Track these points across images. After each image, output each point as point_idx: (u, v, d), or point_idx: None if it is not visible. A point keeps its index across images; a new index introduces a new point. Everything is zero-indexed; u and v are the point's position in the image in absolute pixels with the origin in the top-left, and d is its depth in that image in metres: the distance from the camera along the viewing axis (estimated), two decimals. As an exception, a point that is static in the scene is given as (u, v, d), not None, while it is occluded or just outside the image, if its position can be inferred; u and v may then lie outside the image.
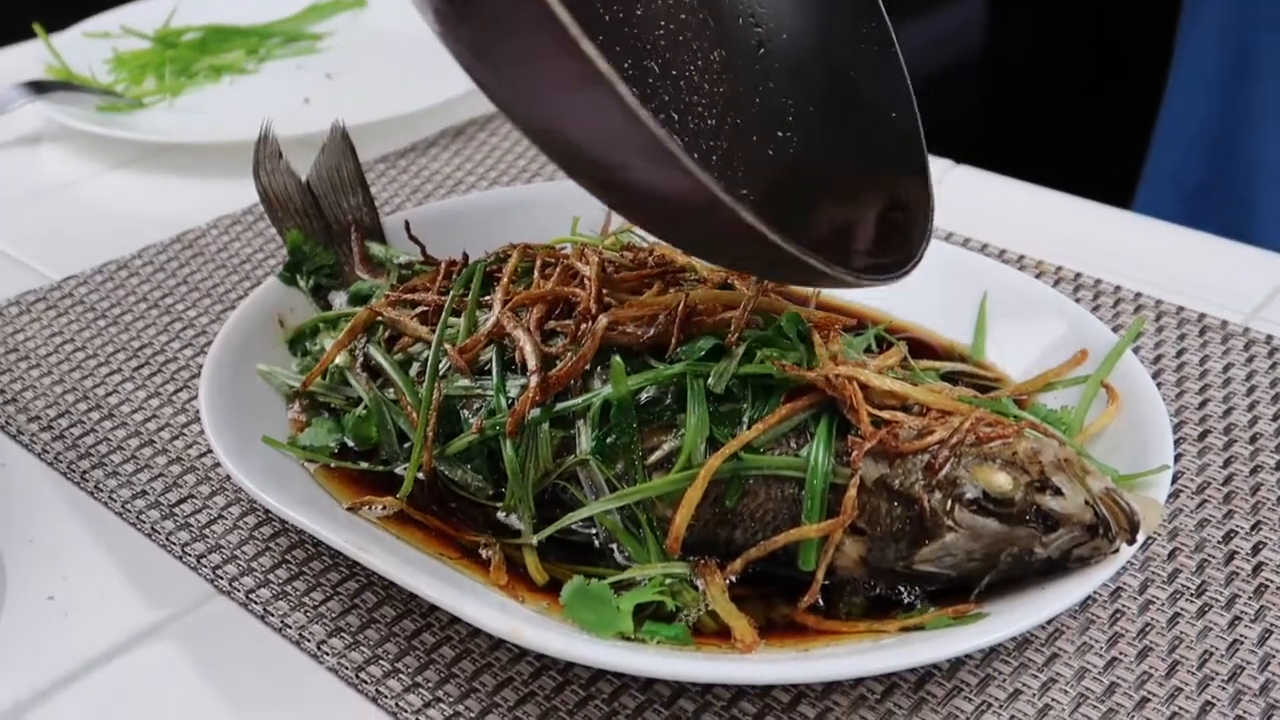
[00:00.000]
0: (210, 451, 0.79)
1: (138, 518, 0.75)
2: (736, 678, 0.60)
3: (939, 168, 1.14)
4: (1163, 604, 0.68)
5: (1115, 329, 0.88)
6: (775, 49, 0.72)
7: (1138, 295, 0.93)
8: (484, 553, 0.69)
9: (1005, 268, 0.88)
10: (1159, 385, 0.80)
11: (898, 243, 0.66)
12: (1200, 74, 1.63)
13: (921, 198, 0.69)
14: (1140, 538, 0.62)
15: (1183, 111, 1.67)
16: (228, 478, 0.78)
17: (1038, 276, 0.94)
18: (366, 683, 0.64)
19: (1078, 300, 0.92)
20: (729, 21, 0.72)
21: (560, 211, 0.93)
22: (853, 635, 0.63)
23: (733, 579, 0.66)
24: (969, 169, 1.14)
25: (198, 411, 0.81)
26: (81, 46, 1.37)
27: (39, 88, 1.24)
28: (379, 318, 0.79)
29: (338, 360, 0.78)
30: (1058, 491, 0.62)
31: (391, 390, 0.75)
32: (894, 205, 0.69)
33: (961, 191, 1.11)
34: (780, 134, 0.70)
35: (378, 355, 0.76)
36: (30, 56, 1.34)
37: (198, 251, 1.03)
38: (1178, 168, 1.67)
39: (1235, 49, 1.58)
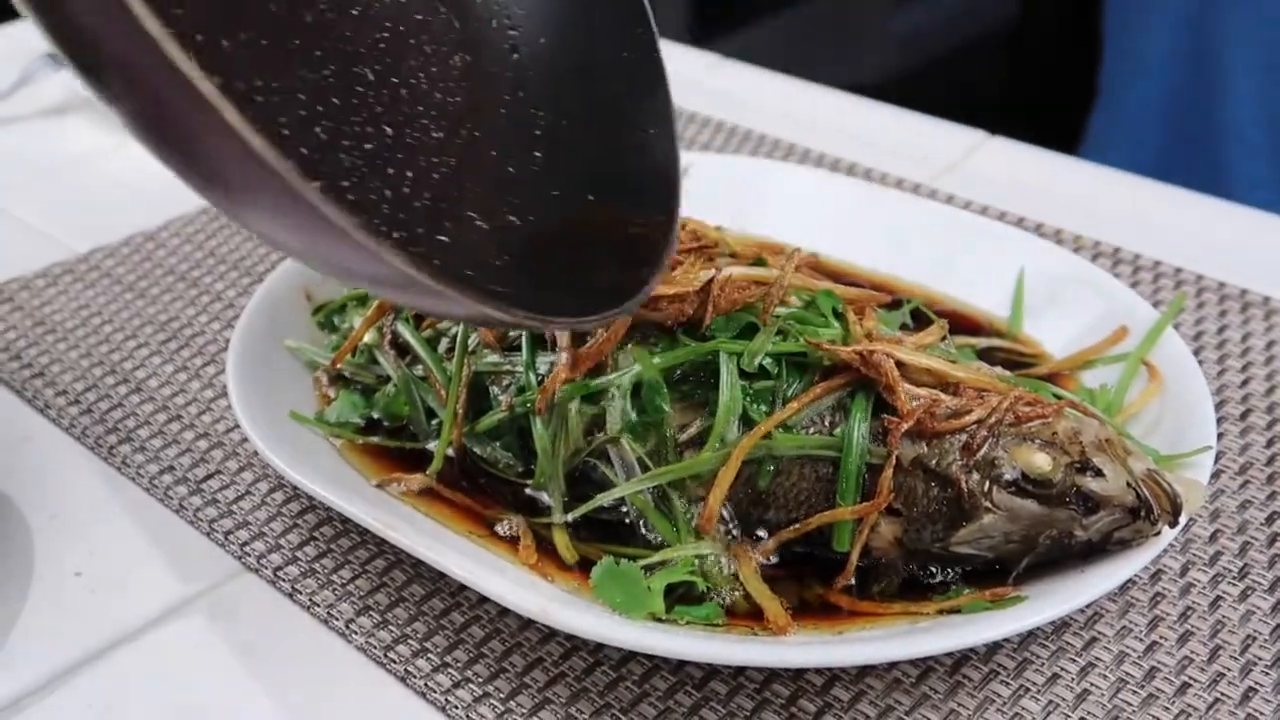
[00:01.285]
0: (237, 426, 0.79)
1: (165, 493, 0.75)
2: (771, 661, 0.59)
3: (973, 139, 1.12)
4: (1204, 587, 0.67)
5: (1155, 305, 0.87)
6: (530, 55, 0.66)
7: (1178, 270, 0.92)
8: (504, 529, 0.68)
9: (1043, 242, 0.86)
10: (1199, 363, 0.79)
11: (632, 272, 0.61)
12: (1150, 45, 1.65)
13: (664, 225, 0.63)
14: (1182, 520, 0.61)
15: (1133, 79, 1.69)
16: (255, 453, 0.77)
17: (1075, 251, 0.93)
18: (395, 662, 0.64)
19: (1116, 275, 0.91)
20: (478, 24, 0.65)
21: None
22: (888, 617, 0.62)
23: (765, 560, 0.65)
24: (1004, 140, 1.12)
25: (225, 386, 0.80)
26: (107, 16, 1.36)
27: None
28: (407, 292, 0.77)
29: (366, 338, 0.77)
30: (1098, 473, 0.61)
31: (420, 367, 0.75)
32: (636, 231, 0.64)
33: (996, 164, 1.09)
34: (526, 148, 0.64)
35: (405, 332, 0.75)
36: (56, 26, 1.33)
37: (224, 223, 1.02)
38: (1130, 132, 1.69)
39: (1194, 18, 1.60)
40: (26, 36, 1.34)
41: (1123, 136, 1.72)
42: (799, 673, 0.62)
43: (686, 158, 0.94)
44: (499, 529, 0.68)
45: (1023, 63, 2.52)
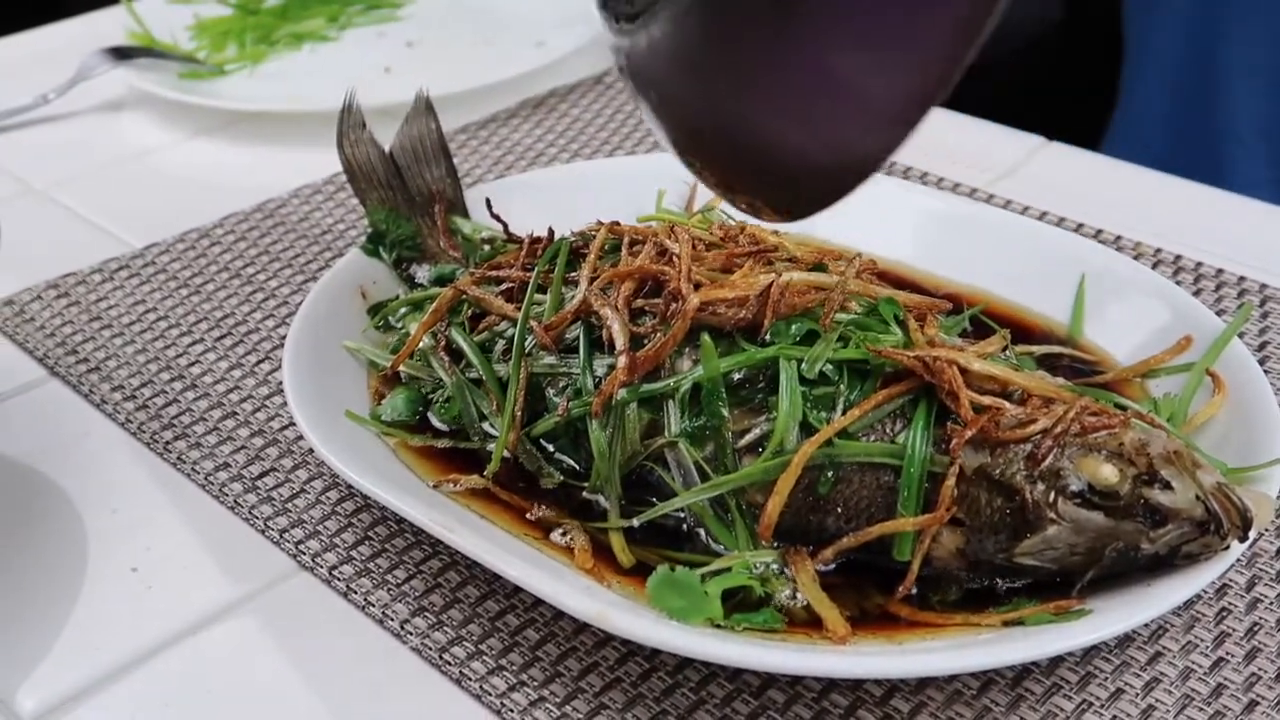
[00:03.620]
0: (292, 424, 0.79)
1: (220, 490, 0.75)
2: (832, 671, 0.58)
3: (1031, 143, 1.11)
4: (1271, 603, 0.65)
5: (1217, 313, 0.85)
6: None
7: (1241, 279, 0.90)
8: (559, 537, 0.67)
9: (1104, 249, 0.85)
10: (1264, 373, 0.77)
11: None
12: (1161, 46, 1.69)
13: None
14: (1252, 535, 0.60)
15: (1146, 80, 1.72)
16: (310, 451, 0.77)
17: (1135, 258, 0.91)
18: (450, 664, 0.64)
19: (1178, 284, 0.89)
20: None
21: (641, 185, 0.92)
22: (949, 628, 0.61)
23: (824, 567, 0.64)
24: (1062, 146, 1.11)
25: (280, 383, 0.80)
26: (164, 12, 1.36)
27: (121, 54, 1.24)
28: (464, 296, 0.77)
29: (421, 343, 0.77)
30: (1166, 485, 0.60)
31: (474, 371, 0.74)
32: None
33: (1055, 169, 1.08)
34: None
35: (459, 339, 0.75)
36: (113, 22, 1.34)
37: (279, 221, 1.02)
38: (1138, 132, 1.71)
39: (1199, 21, 1.60)
40: (82, 32, 1.35)
41: (1132, 136, 1.73)
42: (857, 682, 0.62)
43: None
44: (554, 536, 0.67)
45: (1066, 64, 2.50)
